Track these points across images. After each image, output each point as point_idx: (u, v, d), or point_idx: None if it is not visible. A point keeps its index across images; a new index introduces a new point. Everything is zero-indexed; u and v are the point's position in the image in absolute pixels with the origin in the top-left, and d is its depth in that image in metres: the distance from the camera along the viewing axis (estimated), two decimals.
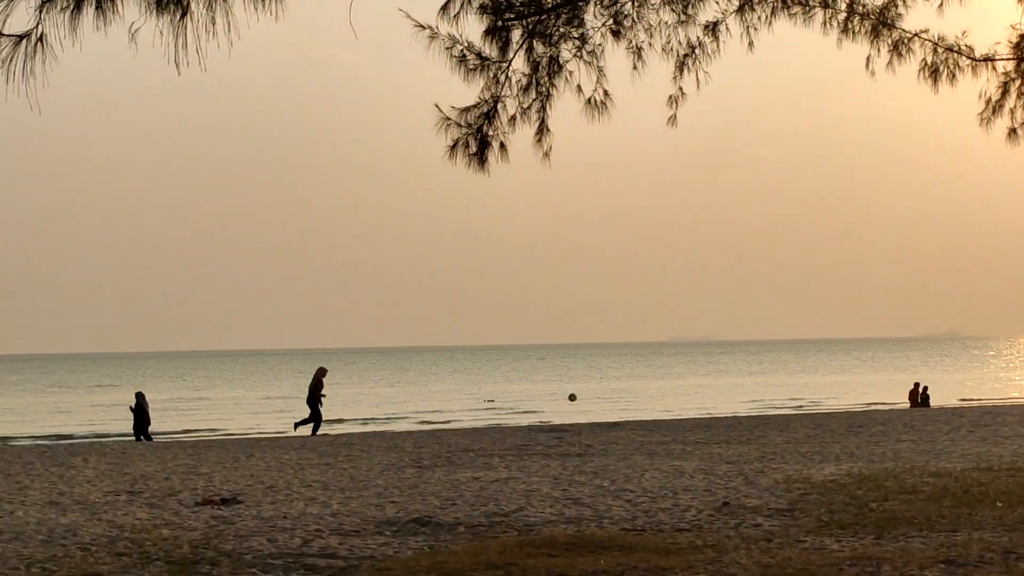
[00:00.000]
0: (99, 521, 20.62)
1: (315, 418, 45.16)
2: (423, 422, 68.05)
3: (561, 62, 17.27)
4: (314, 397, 45.32)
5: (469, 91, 16.98)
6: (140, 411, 45.62)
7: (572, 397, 55.56)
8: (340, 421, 69.29)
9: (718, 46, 18.01)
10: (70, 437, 59.58)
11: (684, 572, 14.97)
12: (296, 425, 47.01)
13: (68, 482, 27.26)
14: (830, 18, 18.20)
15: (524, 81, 17.20)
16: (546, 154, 17.57)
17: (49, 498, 24.20)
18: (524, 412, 76.09)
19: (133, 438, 45.64)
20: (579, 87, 17.45)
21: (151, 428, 46.27)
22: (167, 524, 20.10)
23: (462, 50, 16.79)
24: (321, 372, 45.93)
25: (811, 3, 18.06)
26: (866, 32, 18.32)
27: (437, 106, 16.78)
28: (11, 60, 11.80)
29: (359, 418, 72.70)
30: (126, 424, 53.16)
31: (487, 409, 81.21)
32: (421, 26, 16.56)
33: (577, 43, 17.27)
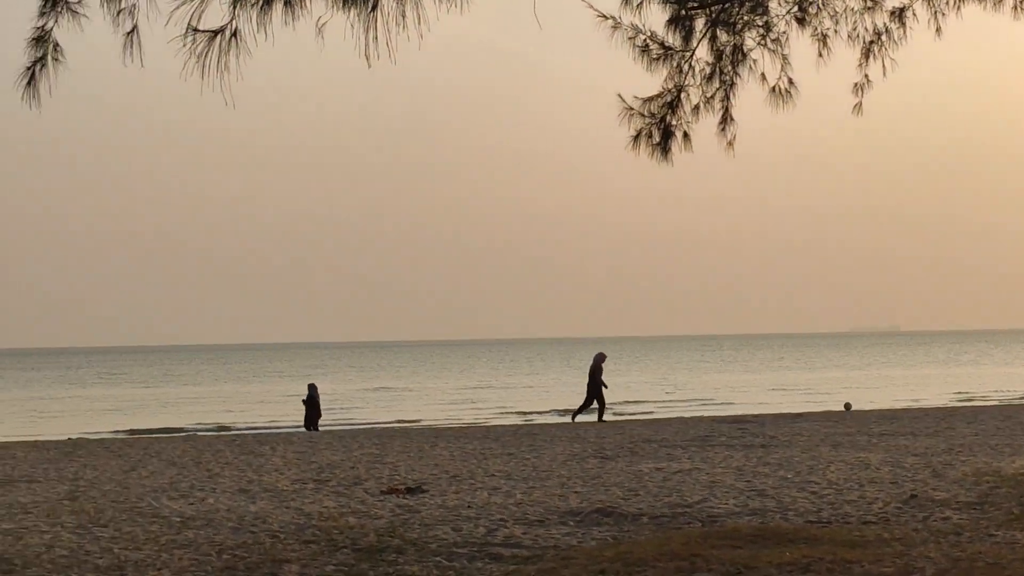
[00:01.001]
0: (287, 509, 20.99)
1: (597, 403, 45.21)
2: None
3: (745, 50, 17.14)
4: (595, 383, 45.30)
5: (651, 81, 16.94)
6: (312, 403, 46.27)
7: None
8: (525, 413, 69.64)
9: (904, 32, 17.73)
10: (252, 427, 60.69)
11: (871, 565, 14.78)
12: (574, 415, 47.14)
13: (257, 470, 27.78)
14: (1021, 2, 17.79)
15: (707, 70, 17.11)
16: (730, 143, 17.47)
17: (239, 486, 24.69)
18: (706, 402, 75.76)
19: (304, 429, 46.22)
20: (763, 75, 17.31)
21: (320, 420, 46.81)
22: (353, 512, 20.39)
23: (645, 40, 16.75)
24: (600, 358, 45.88)
25: None
26: None
27: (620, 96, 16.77)
28: (206, 55, 12.06)
29: (543, 410, 72.93)
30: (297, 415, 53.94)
31: (669, 400, 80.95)
32: (604, 16, 16.57)
33: (761, 31, 17.13)
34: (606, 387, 45.57)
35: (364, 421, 64.28)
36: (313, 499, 22.34)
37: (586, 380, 45.87)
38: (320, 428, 45.74)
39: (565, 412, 45.00)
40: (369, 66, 12.28)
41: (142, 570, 15.31)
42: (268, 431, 50.07)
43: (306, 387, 48.22)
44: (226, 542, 17.43)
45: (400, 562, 15.75)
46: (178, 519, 19.80)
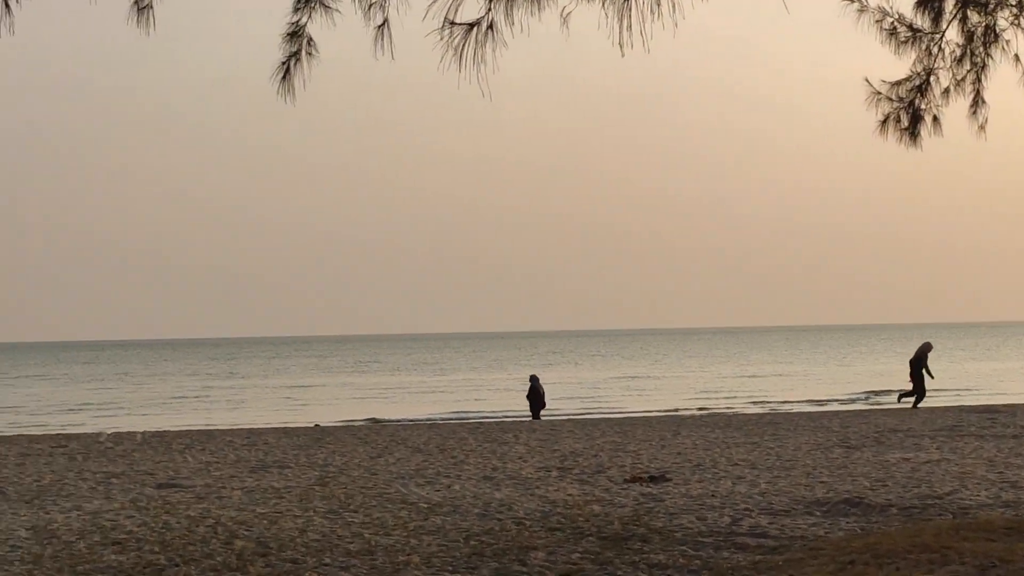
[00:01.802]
0: (532, 496, 21.15)
1: (918, 392, 45.11)
2: (850, 400, 67.03)
3: (997, 31, 16.71)
4: (919, 371, 45.26)
5: (898, 64, 16.63)
6: (536, 394, 46.51)
7: None
8: (767, 402, 69.04)
9: None
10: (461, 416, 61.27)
11: None
12: (900, 397, 47.39)
13: (501, 458, 28.05)
14: None
15: (958, 52, 16.72)
16: (981, 127, 17.06)
17: (483, 473, 24.96)
18: (960, 392, 74.11)
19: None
20: (1016, 56, 16.85)
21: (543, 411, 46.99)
22: (597, 500, 20.46)
23: (892, 23, 16.45)
24: (927, 347, 45.80)
25: None
26: None
27: (867, 80, 16.50)
28: (463, 47, 12.22)
29: (790, 399, 72.16)
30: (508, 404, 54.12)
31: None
32: (850, 0, 16.31)
33: (1015, 11, 16.67)
34: (931, 377, 45.38)
35: (608, 409, 64.45)
36: (557, 487, 22.47)
37: (911, 369, 45.70)
38: (561, 416, 45.98)
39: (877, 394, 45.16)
40: (623, 55, 12.30)
41: (392, 555, 15.59)
42: (510, 419, 50.51)
43: (528, 379, 48.50)
44: (473, 528, 17.65)
45: (645, 551, 15.74)
46: (425, 505, 20.11)
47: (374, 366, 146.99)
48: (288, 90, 12.44)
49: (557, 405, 67.81)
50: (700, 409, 60.51)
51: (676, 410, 60.37)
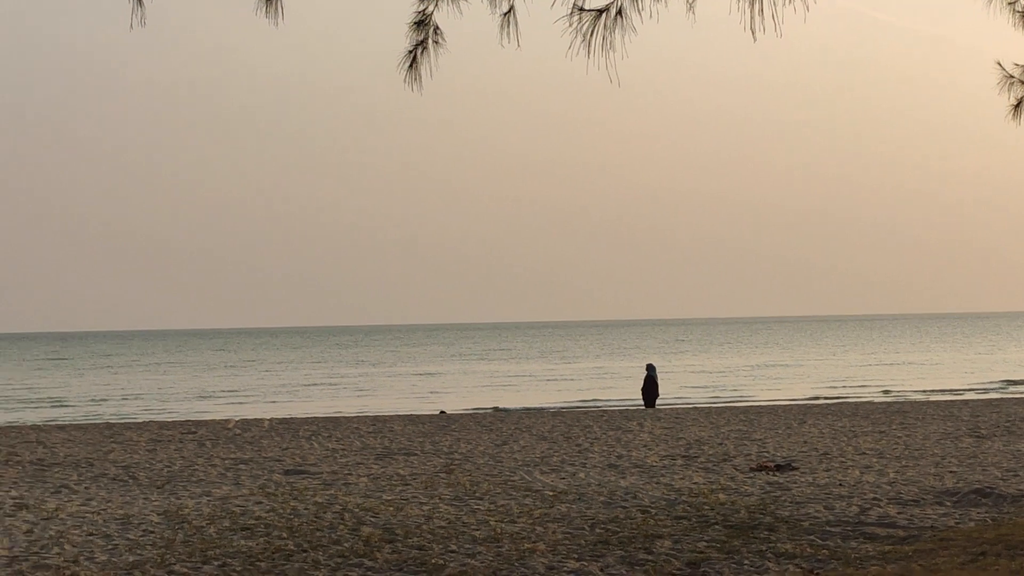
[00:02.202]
0: (657, 484, 21.08)
1: None
2: (984, 389, 66.05)
3: None
4: None
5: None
6: (651, 383, 46.37)
7: None
8: (891, 390, 68.28)
9: None
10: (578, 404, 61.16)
11: None
12: None
13: (625, 445, 28.00)
14: None
15: None
16: None
17: (608, 461, 24.92)
18: None
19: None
20: None
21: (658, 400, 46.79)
22: (723, 489, 20.34)
23: None
24: None
25: None
26: None
27: (999, 64, 16.19)
28: (592, 33, 12.18)
29: (916, 388, 71.29)
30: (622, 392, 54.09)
31: None
32: None
33: None
34: None
35: (734, 398, 64.08)
36: (683, 475, 22.38)
37: None
38: (685, 404, 45.79)
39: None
40: (755, 39, 12.16)
41: (517, 542, 15.61)
42: (634, 407, 50.39)
43: (644, 367, 48.35)
44: (598, 516, 17.62)
45: (772, 539, 15.62)
46: (550, 493, 20.12)
47: (501, 354, 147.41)
48: (415, 78, 12.47)
49: (683, 393, 67.56)
50: (832, 398, 59.96)
51: (815, 398, 59.94)
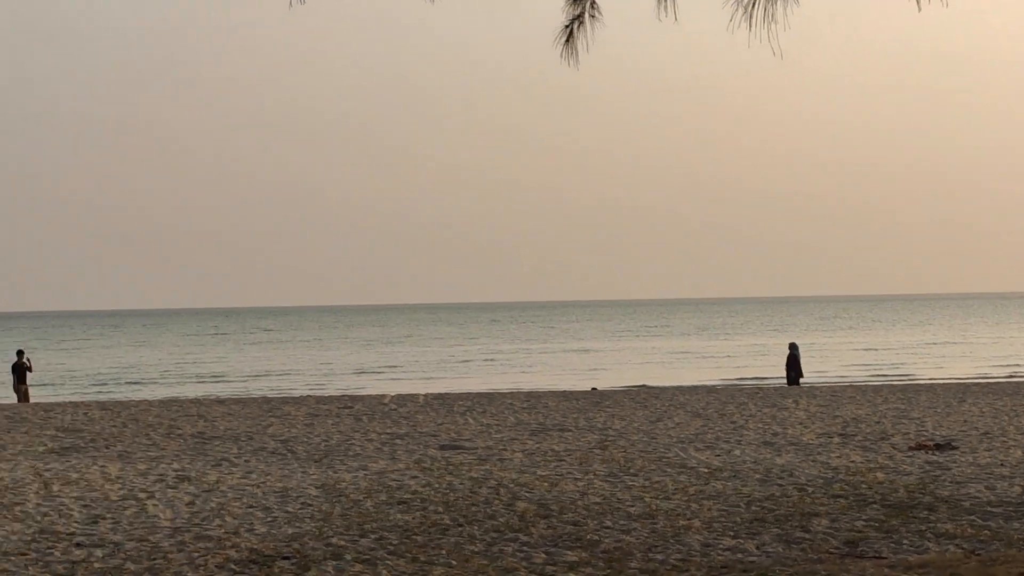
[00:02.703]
0: (813, 462, 20.85)
1: None
2: None
3: None
4: None
5: None
6: (794, 361, 45.98)
7: None
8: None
9: None
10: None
11: None
12: None
13: (781, 423, 27.74)
14: None
15: None
16: None
17: (763, 438, 24.71)
18: None
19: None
20: None
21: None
22: (881, 468, 20.06)
23: None
24: None
25: None
26: None
27: None
28: (753, 7, 12.03)
29: None
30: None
31: None
32: None
33: None
34: None
35: (891, 375, 63.24)
36: (839, 453, 22.12)
37: None
38: (841, 382, 45.25)
39: None
40: (919, 9, 11.92)
41: (672, 519, 15.53)
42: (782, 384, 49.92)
43: (787, 346, 47.89)
44: (754, 494, 17.47)
45: (932, 519, 15.37)
46: (705, 470, 20.00)
47: (660, 330, 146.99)
48: (571, 53, 12.41)
49: (840, 371, 66.79)
50: (996, 378, 58.91)
51: (981, 376, 58.95)
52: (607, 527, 15.06)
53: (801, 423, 27.72)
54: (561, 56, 12.40)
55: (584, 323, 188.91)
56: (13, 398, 43.22)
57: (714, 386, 51.74)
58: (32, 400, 42.37)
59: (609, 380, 61.64)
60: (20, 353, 42.41)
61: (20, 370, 41.86)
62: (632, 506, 16.56)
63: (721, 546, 13.89)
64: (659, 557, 13.30)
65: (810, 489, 17.84)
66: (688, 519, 15.55)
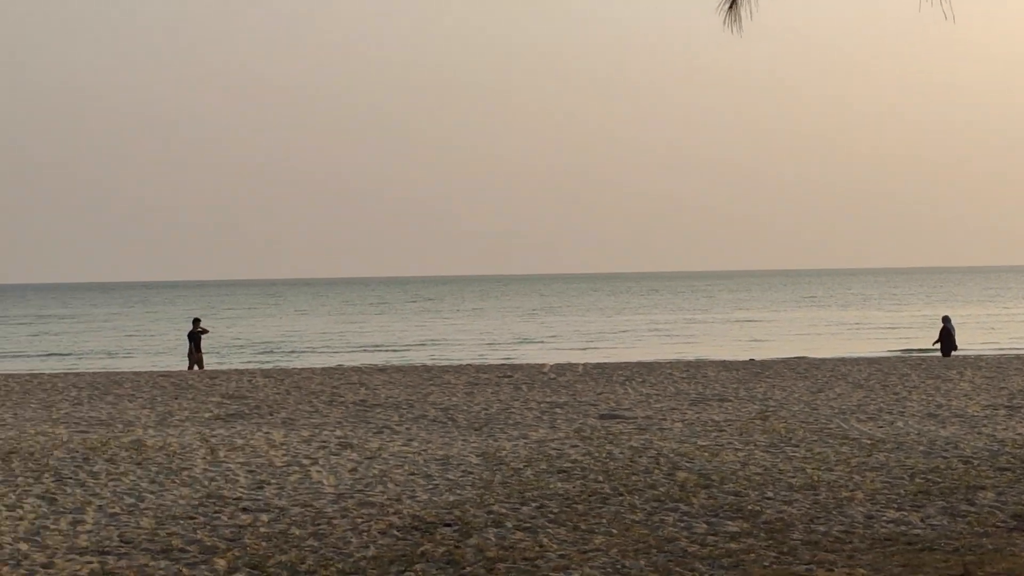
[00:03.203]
0: (979, 434, 20.50)
1: None
2: None
3: None
4: None
5: None
6: (947, 334, 45.20)
7: None
8: None
9: None
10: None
11: None
12: None
13: (945, 395, 27.30)
14: None
15: None
16: None
17: (927, 410, 24.35)
18: None
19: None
20: None
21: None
22: None
23: None
24: None
25: None
26: None
27: None
28: None
29: None
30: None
31: None
32: None
33: None
34: None
35: None
36: (1006, 425, 21.71)
37: None
38: (1008, 353, 44.46)
39: None
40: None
41: (835, 490, 15.37)
42: (953, 355, 49.12)
43: (941, 319, 47.21)
44: (917, 466, 17.22)
45: None
46: (868, 441, 19.76)
47: (822, 300, 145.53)
48: (734, 20, 12.30)
49: (1010, 343, 65.54)
50: None
51: None
52: (768, 498, 14.95)
53: (966, 395, 27.27)
54: (724, 23, 12.29)
55: (743, 293, 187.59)
56: (185, 366, 44.04)
57: (876, 357, 51.09)
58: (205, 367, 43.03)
59: (769, 351, 61.13)
60: (196, 321, 42.94)
61: (196, 338, 42.44)
62: (793, 477, 16.42)
63: (884, 518, 13.71)
64: (821, 529, 13.17)
65: (975, 462, 17.54)
66: (851, 491, 15.37)
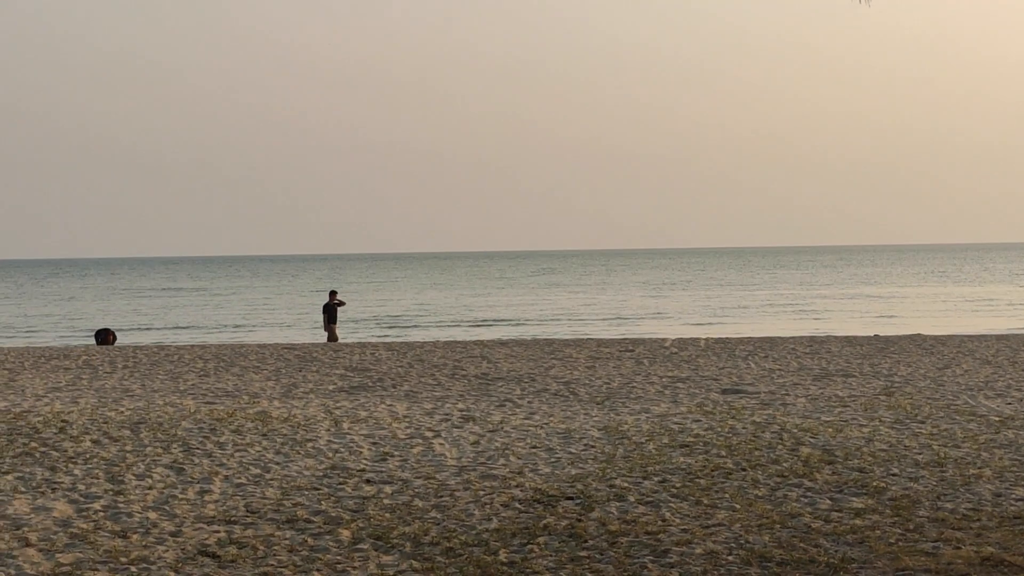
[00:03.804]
0: None
1: None
2: None
3: None
4: None
5: None
6: None
7: None
8: None
9: None
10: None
11: None
12: None
13: None
14: None
15: None
16: None
17: None
18: None
19: None
20: None
21: None
22: None
23: None
24: None
25: None
26: None
27: None
28: None
29: None
30: None
31: None
32: None
33: None
34: None
35: None
36: None
37: None
38: None
39: None
40: None
41: (962, 468, 15.18)
42: None
43: None
44: None
45: None
46: (996, 418, 19.47)
47: (950, 276, 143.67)
48: None
49: None
50: None
51: None
52: (894, 474, 14.79)
53: None
54: None
55: (871, 268, 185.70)
56: (324, 338, 44.21)
57: (1004, 334, 50.33)
58: (339, 339, 43.15)
59: (894, 327, 60.48)
60: (332, 294, 43.00)
61: (331, 310, 42.51)
62: (919, 454, 16.23)
63: (1014, 496, 13.52)
64: (948, 506, 13.02)
65: None
66: (978, 468, 15.17)
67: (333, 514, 12.85)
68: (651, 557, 11.16)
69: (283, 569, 10.86)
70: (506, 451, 16.76)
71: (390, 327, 68.55)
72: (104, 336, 43.73)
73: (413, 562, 11.07)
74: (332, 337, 42.41)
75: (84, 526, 12.33)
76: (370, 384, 25.89)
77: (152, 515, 12.83)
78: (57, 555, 11.28)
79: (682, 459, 15.93)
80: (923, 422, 19.12)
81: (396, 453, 16.65)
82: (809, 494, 13.67)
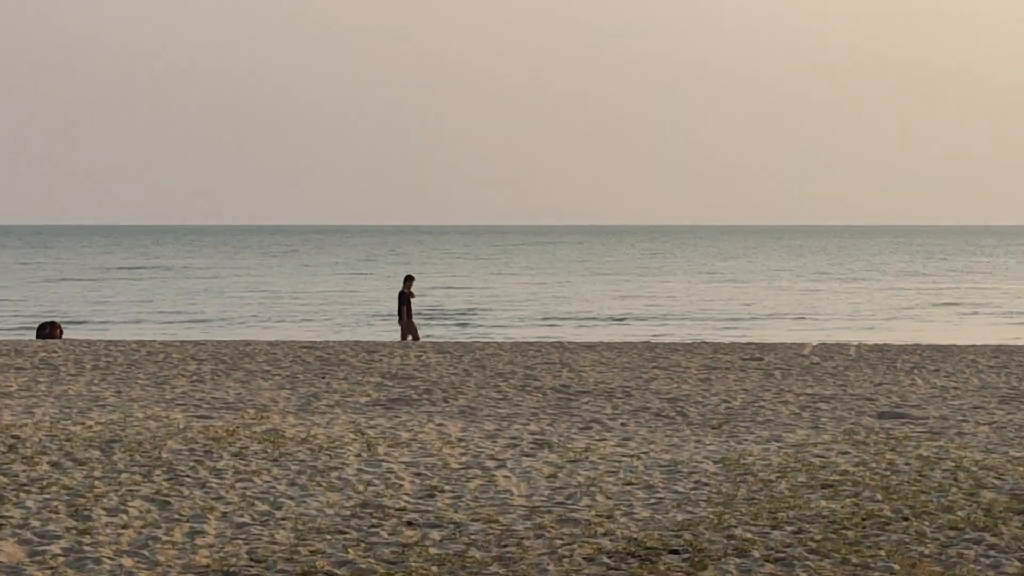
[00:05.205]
0: None
1: None
2: None
3: None
4: None
5: None
6: None
7: None
8: None
9: None
10: None
11: None
12: None
13: None
14: None
15: None
16: None
17: None
18: None
19: None
20: None
21: None
22: None
23: None
24: None
25: None
26: None
27: None
28: None
29: None
30: None
31: None
32: None
33: None
34: None
35: None
36: None
37: None
38: None
39: None
40: None
41: None
42: None
43: None
44: None
45: None
46: None
47: None
48: None
49: None
50: None
51: None
52: None
53: None
54: None
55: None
56: (397, 335, 44.32)
57: None
58: (420, 336, 43.08)
59: None
60: (408, 280, 42.80)
61: (407, 300, 42.40)
62: None
63: None
64: None
65: None
66: None
67: (363, 566, 12.88)
68: None
69: None
70: (591, 488, 16.76)
71: (446, 321, 68.67)
72: (49, 330, 44.01)
73: None
74: (412, 334, 42.30)
75: (38, 575, 12.40)
76: (414, 396, 25.97)
77: (127, 562, 12.90)
78: None
79: (823, 503, 15.87)
80: None
81: (447, 488, 16.67)
82: (992, 553, 13.60)
